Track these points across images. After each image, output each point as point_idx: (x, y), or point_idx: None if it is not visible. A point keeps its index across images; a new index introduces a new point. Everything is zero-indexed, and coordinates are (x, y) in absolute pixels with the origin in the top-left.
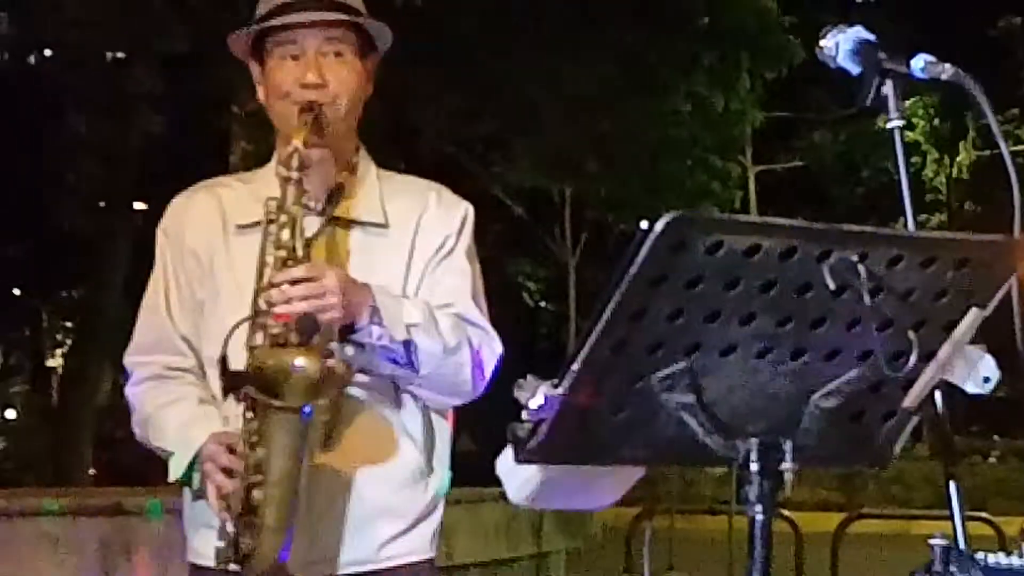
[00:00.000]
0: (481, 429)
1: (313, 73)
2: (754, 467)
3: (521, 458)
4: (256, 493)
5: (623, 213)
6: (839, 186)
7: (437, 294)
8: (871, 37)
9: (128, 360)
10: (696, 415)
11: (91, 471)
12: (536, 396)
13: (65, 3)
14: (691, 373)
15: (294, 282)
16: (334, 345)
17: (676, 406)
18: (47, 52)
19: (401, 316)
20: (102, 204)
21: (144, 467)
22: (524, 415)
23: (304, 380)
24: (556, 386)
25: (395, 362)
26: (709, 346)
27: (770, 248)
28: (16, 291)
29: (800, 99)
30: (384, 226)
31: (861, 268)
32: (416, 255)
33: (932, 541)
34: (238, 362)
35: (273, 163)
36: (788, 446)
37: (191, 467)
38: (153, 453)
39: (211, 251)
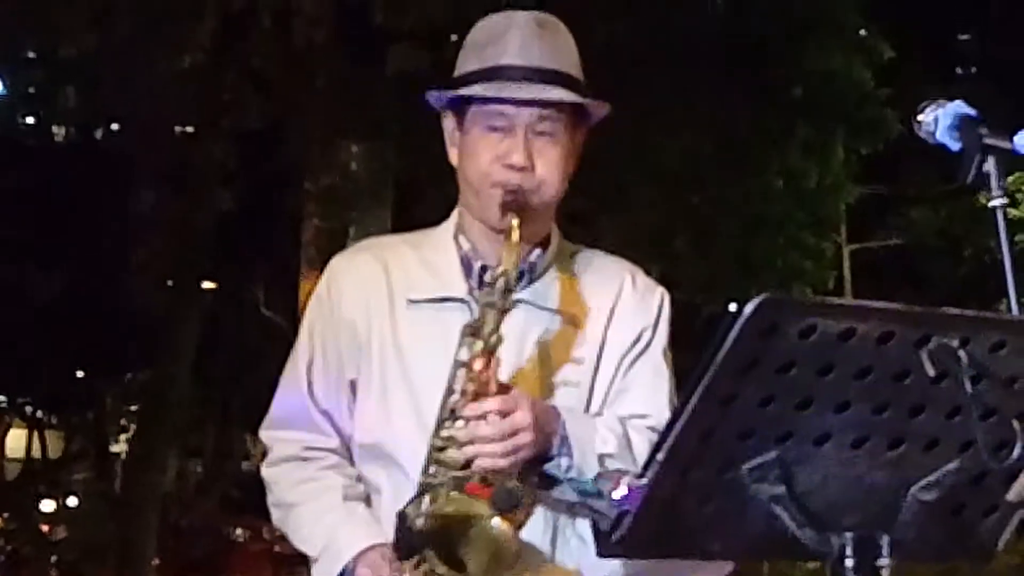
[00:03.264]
0: None
1: (520, 155)
2: (849, 563)
3: (604, 551)
4: None
5: (711, 294)
6: (939, 266)
7: (630, 399)
8: (972, 112)
9: (264, 434)
10: (788, 507)
11: (155, 561)
12: (619, 487)
13: (134, 75)
14: (782, 463)
15: (484, 416)
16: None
17: (767, 498)
18: (114, 126)
19: (593, 445)
20: (170, 283)
21: (210, 558)
22: (607, 506)
23: (494, 550)
24: (640, 476)
25: (583, 492)
26: (802, 435)
27: (866, 332)
28: (79, 373)
29: (897, 174)
30: (575, 315)
31: (962, 354)
32: (608, 349)
33: None
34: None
35: (448, 226)
36: (885, 540)
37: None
38: (221, 544)
39: (371, 326)
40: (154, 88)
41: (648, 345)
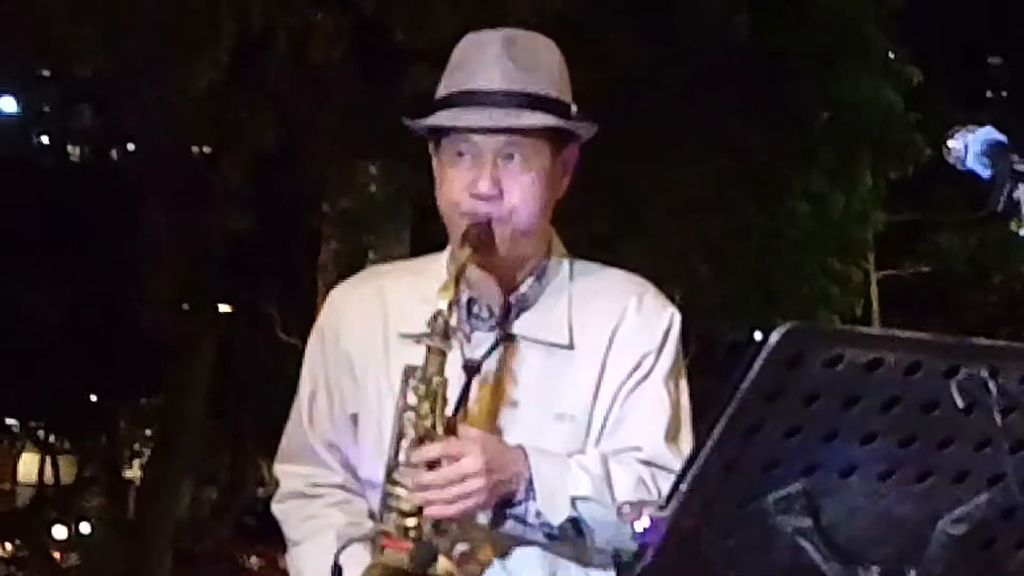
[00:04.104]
0: None
1: (487, 182)
2: None
3: None
4: None
5: (735, 321)
6: (969, 293)
7: (623, 432)
8: (1002, 138)
9: (276, 468)
10: (813, 540)
11: None
12: (642, 518)
13: (149, 95)
14: (808, 495)
15: (429, 464)
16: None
17: (792, 530)
18: (130, 146)
19: (565, 488)
20: (185, 306)
21: None
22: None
23: None
24: (663, 507)
25: (552, 537)
26: (828, 466)
27: (893, 362)
28: (93, 397)
29: (926, 199)
30: (569, 347)
31: (992, 385)
32: (607, 377)
33: None
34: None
35: (445, 254)
36: (913, 575)
37: None
38: (235, 572)
39: (366, 359)
40: (170, 108)
41: (649, 372)
